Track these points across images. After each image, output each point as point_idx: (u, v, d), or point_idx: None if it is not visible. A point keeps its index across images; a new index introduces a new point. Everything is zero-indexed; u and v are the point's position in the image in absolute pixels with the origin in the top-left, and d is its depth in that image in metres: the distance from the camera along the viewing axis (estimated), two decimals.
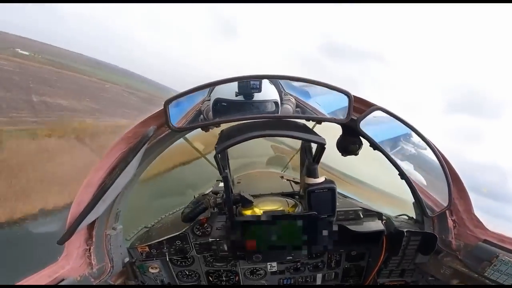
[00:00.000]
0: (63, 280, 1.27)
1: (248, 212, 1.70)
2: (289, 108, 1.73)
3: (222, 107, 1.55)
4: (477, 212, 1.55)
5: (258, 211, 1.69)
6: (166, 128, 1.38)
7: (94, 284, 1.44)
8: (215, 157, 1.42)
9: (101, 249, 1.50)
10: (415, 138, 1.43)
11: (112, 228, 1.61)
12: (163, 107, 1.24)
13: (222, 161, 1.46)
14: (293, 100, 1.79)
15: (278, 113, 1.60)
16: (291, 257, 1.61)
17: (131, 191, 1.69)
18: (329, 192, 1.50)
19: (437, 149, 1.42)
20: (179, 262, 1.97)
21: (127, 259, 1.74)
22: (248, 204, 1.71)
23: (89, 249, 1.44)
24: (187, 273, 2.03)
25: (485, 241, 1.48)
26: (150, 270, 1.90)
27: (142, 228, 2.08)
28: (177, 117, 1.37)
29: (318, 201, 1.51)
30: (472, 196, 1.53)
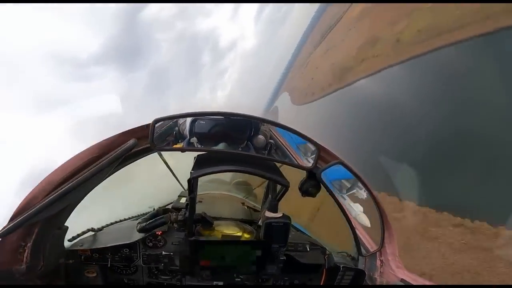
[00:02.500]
0: None
1: (206, 233, 1.76)
2: (263, 139, 1.89)
3: (200, 125, 1.63)
4: None
5: (217, 233, 1.76)
6: (145, 142, 1.43)
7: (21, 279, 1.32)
8: (188, 180, 1.50)
9: (38, 247, 1.39)
10: (362, 188, 1.70)
11: (58, 228, 1.52)
12: (150, 123, 1.30)
13: (193, 185, 1.55)
14: (268, 131, 1.97)
15: (251, 134, 1.74)
16: (239, 279, 1.69)
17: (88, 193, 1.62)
18: (284, 226, 1.66)
19: (378, 200, 1.70)
20: (119, 270, 1.91)
21: (62, 260, 1.65)
22: (208, 225, 1.77)
23: (25, 245, 1.33)
24: (126, 281, 1.97)
25: (402, 280, 1.74)
26: (86, 274, 1.81)
27: (88, 230, 1.96)
28: None
29: (274, 232, 1.66)
30: None
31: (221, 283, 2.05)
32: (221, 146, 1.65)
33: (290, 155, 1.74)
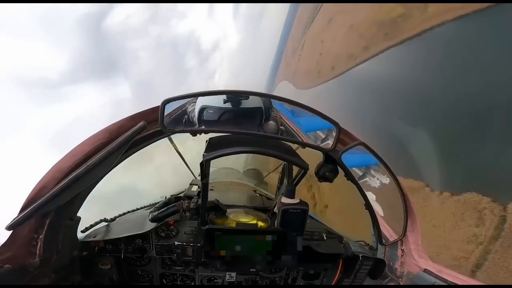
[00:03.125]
0: None
1: (220, 221, 1.72)
2: (273, 125, 1.81)
3: (208, 114, 1.57)
4: None
5: (231, 221, 1.71)
6: (154, 126, 1.37)
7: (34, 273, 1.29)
8: (201, 163, 1.43)
9: (51, 239, 1.36)
10: (383, 173, 1.58)
11: (70, 219, 1.48)
12: (160, 105, 1.23)
13: (206, 169, 1.48)
14: (278, 117, 1.88)
15: (262, 121, 1.66)
16: (254, 270, 1.64)
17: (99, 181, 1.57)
18: (301, 213, 1.58)
19: (402, 186, 1.58)
20: (133, 261, 1.91)
21: (76, 252, 1.62)
22: (221, 213, 1.72)
23: (37, 237, 1.29)
24: (140, 272, 1.98)
25: (425, 270, 1.65)
26: (100, 266, 1.80)
27: (101, 221, 1.94)
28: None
29: (290, 220, 1.59)
30: None
31: (234, 274, 2.03)
32: None
33: (302, 141, 1.63)
